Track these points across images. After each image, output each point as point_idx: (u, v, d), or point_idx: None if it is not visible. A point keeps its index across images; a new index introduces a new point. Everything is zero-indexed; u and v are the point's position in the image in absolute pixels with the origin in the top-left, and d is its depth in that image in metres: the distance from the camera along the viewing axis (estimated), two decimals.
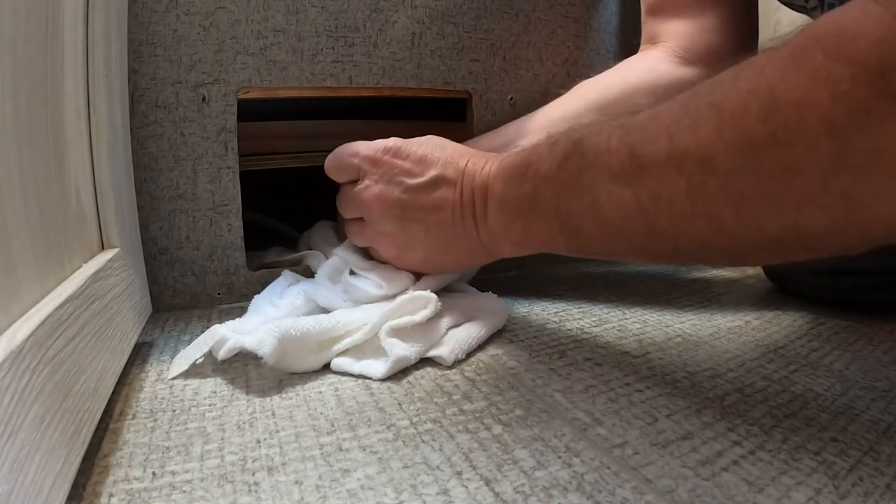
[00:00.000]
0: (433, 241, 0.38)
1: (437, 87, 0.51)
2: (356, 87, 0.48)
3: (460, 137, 0.46)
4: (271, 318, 0.36)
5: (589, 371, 0.33)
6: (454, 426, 0.27)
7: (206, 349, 0.32)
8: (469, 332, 0.36)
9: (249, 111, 0.45)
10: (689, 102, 0.24)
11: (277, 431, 0.27)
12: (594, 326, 0.41)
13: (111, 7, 0.34)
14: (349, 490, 0.22)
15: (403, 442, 0.26)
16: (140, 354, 0.36)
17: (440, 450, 0.25)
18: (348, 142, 0.40)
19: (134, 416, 0.28)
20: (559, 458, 0.24)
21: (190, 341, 0.34)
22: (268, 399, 0.30)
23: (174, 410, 0.28)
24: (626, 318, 0.43)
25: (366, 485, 0.22)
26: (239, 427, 0.27)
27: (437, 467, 0.24)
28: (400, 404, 0.29)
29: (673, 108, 0.24)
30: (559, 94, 0.50)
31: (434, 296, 0.35)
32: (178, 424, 0.27)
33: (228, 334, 0.32)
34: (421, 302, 0.35)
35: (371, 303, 0.38)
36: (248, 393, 0.30)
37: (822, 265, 0.45)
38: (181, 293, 0.45)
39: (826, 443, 0.25)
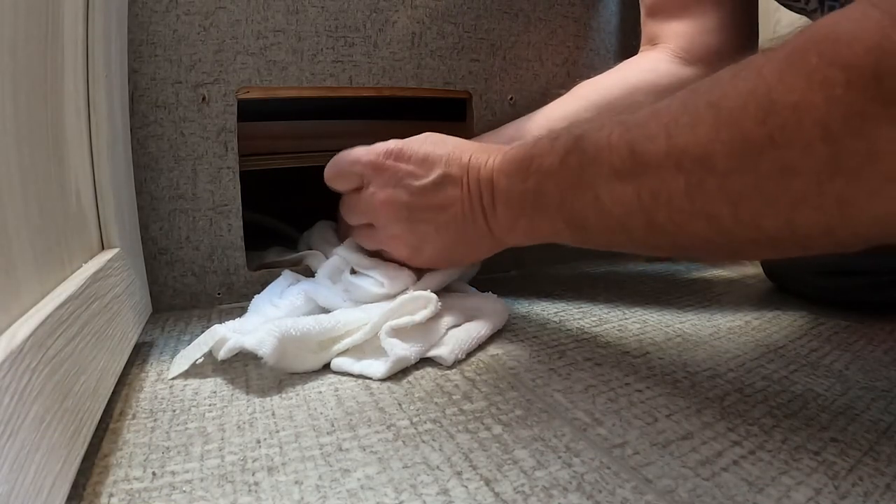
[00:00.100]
0: (444, 238, 0.38)
1: (437, 87, 0.51)
2: (356, 87, 0.48)
3: (461, 138, 0.46)
4: (271, 318, 0.36)
5: (589, 371, 0.33)
6: (454, 426, 0.27)
7: (206, 349, 0.32)
8: (469, 332, 0.36)
9: (249, 111, 0.45)
10: (688, 100, 0.24)
11: (277, 431, 0.27)
12: (594, 326, 0.41)
13: (111, 7, 0.34)
14: (349, 490, 0.22)
15: (403, 442, 0.26)
16: (140, 354, 0.36)
17: (440, 450, 0.25)
18: (348, 142, 0.40)
19: (134, 416, 0.28)
20: (559, 458, 0.24)
21: (190, 341, 0.34)
22: (268, 399, 0.30)
23: (174, 410, 0.28)
24: (626, 318, 0.43)
25: (366, 485, 0.22)
26: (239, 427, 0.27)
27: (437, 467, 0.24)
28: (400, 404, 0.29)
29: (672, 105, 0.25)
30: (559, 94, 0.50)
31: (434, 296, 0.35)
32: (178, 424, 0.27)
33: (228, 334, 0.32)
34: (421, 302, 0.35)
35: (372, 302, 0.38)
36: (248, 393, 0.30)
37: (822, 265, 0.45)
38: (181, 293, 0.45)
39: (826, 443, 0.25)
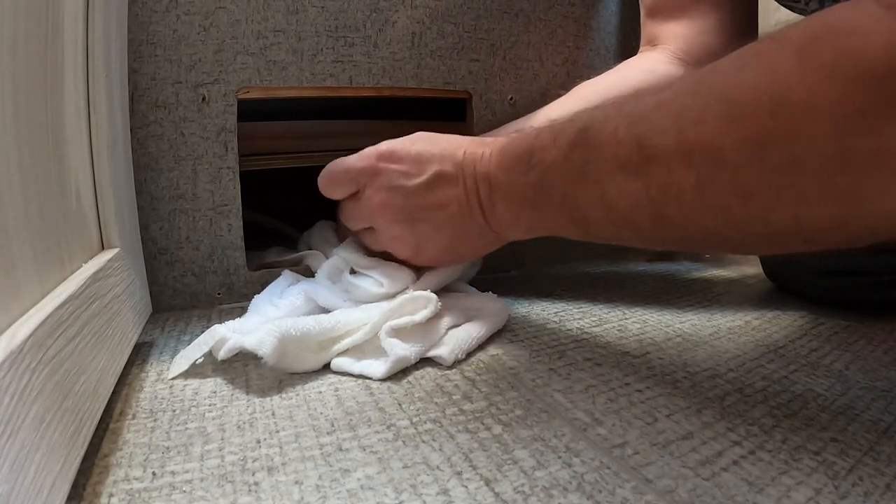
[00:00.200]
0: (444, 236, 0.38)
1: (437, 87, 0.51)
2: (356, 87, 0.48)
3: None
4: (271, 318, 0.36)
5: (589, 371, 0.33)
6: (454, 426, 0.27)
7: (206, 349, 0.32)
8: (469, 332, 0.36)
9: (249, 111, 0.45)
10: (697, 91, 0.24)
11: (277, 431, 0.26)
12: (594, 326, 0.41)
13: (111, 7, 0.34)
14: (349, 490, 0.22)
15: (403, 442, 0.26)
16: (140, 354, 0.36)
17: (440, 450, 0.25)
18: (348, 142, 0.40)
19: (134, 416, 0.28)
20: (559, 458, 0.24)
21: (190, 341, 0.34)
22: (268, 399, 0.30)
23: (174, 410, 0.28)
24: (626, 318, 0.43)
25: (366, 485, 0.22)
26: (239, 427, 0.27)
27: (437, 467, 0.24)
28: (400, 404, 0.29)
29: (680, 96, 0.24)
30: (559, 95, 0.50)
31: (434, 296, 0.35)
32: (178, 424, 0.27)
33: (228, 334, 0.32)
34: (421, 302, 0.35)
35: (372, 301, 0.38)
36: (248, 393, 0.30)
37: (822, 265, 0.45)
38: (181, 293, 0.45)
39: (826, 443, 0.25)
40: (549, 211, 0.32)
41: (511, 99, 0.54)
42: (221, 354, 0.31)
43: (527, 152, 0.32)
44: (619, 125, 0.27)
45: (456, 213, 0.37)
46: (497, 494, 0.22)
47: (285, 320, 0.33)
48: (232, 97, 0.43)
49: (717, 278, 0.56)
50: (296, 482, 0.23)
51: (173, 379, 0.32)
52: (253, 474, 0.23)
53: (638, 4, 0.52)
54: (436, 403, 0.29)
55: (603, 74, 0.49)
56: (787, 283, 0.50)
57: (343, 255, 0.41)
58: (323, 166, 0.41)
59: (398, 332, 0.33)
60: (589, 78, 0.50)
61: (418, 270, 0.40)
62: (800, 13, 0.42)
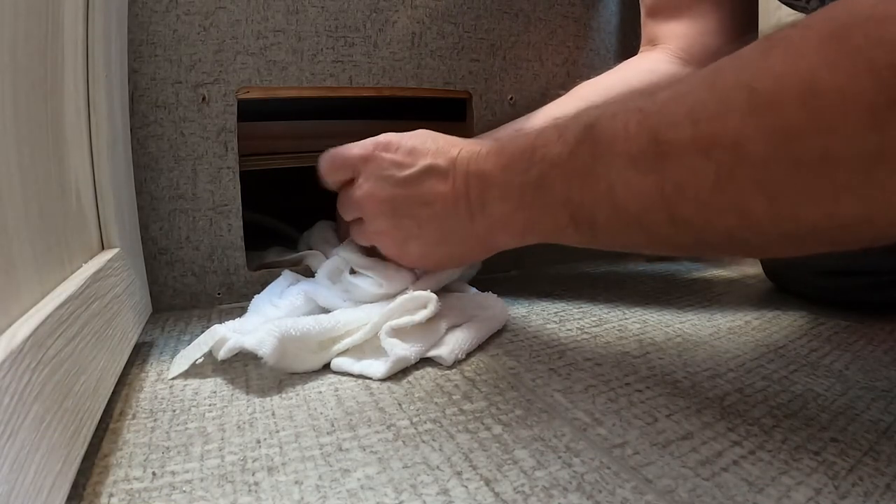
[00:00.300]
0: (429, 236, 0.37)
1: (437, 87, 0.51)
2: (356, 87, 0.48)
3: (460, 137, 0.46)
4: (271, 318, 0.36)
5: (589, 371, 0.33)
6: (454, 426, 0.27)
7: (206, 349, 0.32)
8: (469, 332, 0.36)
9: (249, 111, 0.45)
10: (715, 82, 0.22)
11: (277, 431, 0.26)
12: (594, 326, 0.41)
13: (111, 7, 0.34)
14: (349, 490, 0.22)
15: (403, 442, 0.26)
16: (140, 354, 0.36)
17: (440, 450, 0.25)
18: (348, 142, 0.40)
19: (134, 416, 0.28)
20: (559, 458, 0.24)
21: (190, 341, 0.34)
22: (268, 399, 0.30)
23: (174, 410, 0.28)
24: (626, 318, 0.43)
25: (366, 485, 0.22)
26: (239, 427, 0.27)
27: (437, 467, 0.24)
28: (400, 404, 0.29)
29: (697, 88, 0.23)
30: (559, 95, 0.50)
31: (434, 296, 0.35)
32: (178, 424, 0.27)
33: (228, 334, 0.32)
34: (421, 302, 0.35)
35: (371, 302, 0.38)
36: (248, 393, 0.30)
37: (822, 265, 0.45)
38: (181, 293, 0.45)
39: (826, 443, 0.25)
40: (548, 212, 0.30)
41: (511, 99, 0.54)
42: (221, 354, 0.31)
43: (528, 150, 0.31)
44: (629, 119, 0.25)
45: (441, 211, 0.35)
46: (497, 494, 0.22)
47: (285, 320, 0.33)
48: (232, 97, 0.43)
49: (717, 278, 0.56)
50: (296, 482, 0.23)
51: (173, 379, 0.32)
52: (253, 474, 0.23)
53: (638, 4, 0.52)
54: (436, 403, 0.29)
55: (603, 74, 0.49)
56: (787, 283, 0.50)
57: (343, 255, 0.42)
58: None
59: (398, 332, 0.33)
60: (589, 78, 0.50)
61: (417, 271, 0.40)
62: (801, 10, 0.42)
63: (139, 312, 0.37)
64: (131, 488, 0.22)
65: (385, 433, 0.26)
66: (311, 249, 0.48)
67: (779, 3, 0.44)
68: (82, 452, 0.22)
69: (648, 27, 0.51)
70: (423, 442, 0.26)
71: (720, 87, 0.22)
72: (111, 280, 0.30)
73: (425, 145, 0.37)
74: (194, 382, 0.32)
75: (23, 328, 0.19)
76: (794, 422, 0.27)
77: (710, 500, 0.21)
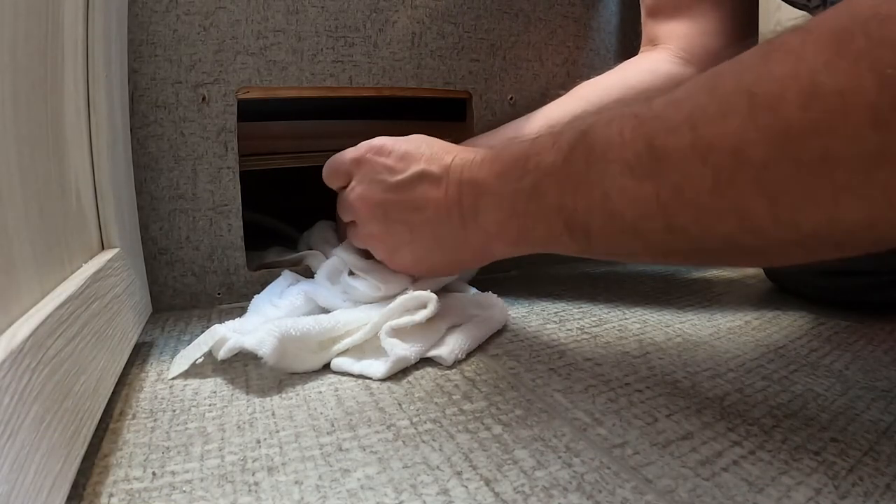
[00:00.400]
0: (420, 242, 0.37)
1: (437, 87, 0.51)
2: (356, 87, 0.48)
3: (460, 137, 0.46)
4: (271, 318, 0.36)
5: (589, 371, 0.33)
6: (454, 426, 0.27)
7: (206, 349, 0.32)
8: (469, 332, 0.36)
9: (249, 111, 0.45)
10: (714, 87, 0.22)
11: (277, 431, 0.26)
12: (594, 326, 0.41)
13: (111, 7, 0.34)
14: (349, 490, 0.22)
15: (403, 442, 0.26)
16: (140, 354, 0.36)
17: (440, 450, 0.25)
18: (348, 142, 0.40)
19: (134, 416, 0.28)
20: (559, 458, 0.24)
21: (190, 341, 0.34)
22: (268, 399, 0.30)
23: (174, 410, 0.28)
24: (626, 318, 0.43)
25: (366, 485, 0.22)
26: (239, 427, 0.27)
27: (437, 467, 0.24)
28: (400, 404, 0.29)
29: (695, 93, 0.23)
30: (559, 95, 0.50)
31: (434, 295, 0.35)
32: (178, 424, 0.27)
33: (228, 334, 0.32)
34: (421, 301, 0.35)
35: (370, 303, 0.38)
36: (248, 393, 0.30)
37: (822, 265, 0.45)
38: (181, 293, 0.45)
39: (826, 443, 0.25)
40: (542, 220, 0.29)
41: (511, 99, 0.54)
42: (221, 354, 0.31)
43: (522, 157, 0.30)
44: (624, 125, 0.25)
45: (432, 218, 0.35)
46: (497, 494, 0.22)
47: (285, 320, 0.33)
48: (232, 97, 0.43)
49: (717, 278, 0.56)
50: (296, 482, 0.23)
51: (173, 379, 0.32)
52: (253, 474, 0.23)
53: (638, 4, 0.52)
54: (436, 403, 0.29)
55: (603, 74, 0.49)
56: (787, 283, 0.50)
57: (341, 256, 0.41)
58: (323, 166, 0.41)
59: (398, 332, 0.33)
60: (589, 78, 0.50)
61: None
62: (802, 9, 0.42)
63: (139, 312, 0.37)
64: (131, 488, 0.22)
65: (385, 433, 0.26)
66: (311, 249, 0.48)
67: (779, 3, 0.44)
68: (82, 452, 0.22)
69: (648, 27, 0.51)
70: (423, 442, 0.26)
71: (720, 91, 0.22)
72: (111, 280, 0.30)
73: (419, 150, 0.36)
74: (194, 382, 0.32)
75: (23, 328, 0.19)
76: (794, 422, 0.27)
77: (710, 500, 0.21)
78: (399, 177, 0.36)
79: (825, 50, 0.18)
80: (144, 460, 0.24)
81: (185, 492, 0.22)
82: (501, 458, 0.24)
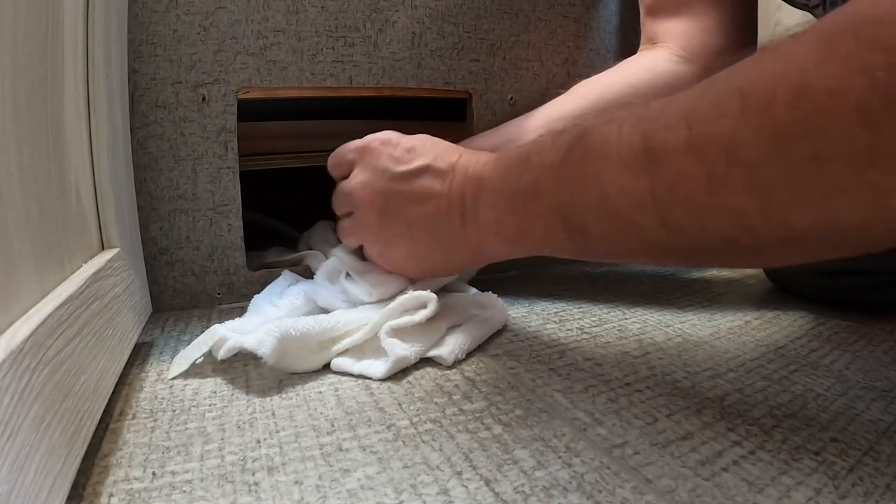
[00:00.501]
0: (417, 237, 0.36)
1: (437, 87, 0.51)
2: (356, 87, 0.48)
3: (460, 137, 0.46)
4: (271, 318, 0.36)
5: (589, 371, 0.33)
6: (454, 426, 0.27)
7: (206, 349, 0.32)
8: (469, 332, 0.36)
9: (249, 111, 0.45)
10: (708, 89, 0.23)
11: (277, 431, 0.27)
12: (594, 326, 0.41)
13: (111, 7, 0.34)
14: (349, 490, 0.22)
15: (403, 442, 0.26)
16: (140, 354, 0.36)
17: (440, 450, 0.25)
18: (348, 142, 0.40)
19: (134, 416, 0.28)
20: (559, 458, 0.24)
21: (190, 341, 0.34)
22: (268, 399, 0.30)
23: (174, 410, 0.28)
24: (626, 318, 0.43)
25: (366, 485, 0.22)
26: (239, 427, 0.27)
27: (437, 467, 0.24)
28: (400, 404, 0.29)
29: (691, 95, 0.23)
30: (559, 94, 0.50)
31: (434, 295, 0.35)
32: (178, 424, 0.27)
33: (228, 334, 0.32)
34: (421, 301, 0.35)
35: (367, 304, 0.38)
36: (248, 393, 0.30)
37: (822, 265, 0.45)
38: (181, 293, 0.45)
39: (826, 443, 0.25)
40: (539, 216, 0.29)
41: (511, 99, 0.54)
42: (221, 354, 0.31)
43: (523, 157, 0.31)
44: (623, 125, 0.25)
45: (433, 213, 0.35)
46: (497, 494, 0.22)
47: (285, 320, 0.33)
48: (232, 97, 0.43)
49: (717, 278, 0.56)
50: (296, 482, 0.23)
51: (173, 379, 0.32)
52: (253, 474, 0.23)
53: (638, 4, 0.52)
54: (436, 403, 0.29)
55: (602, 73, 0.49)
56: (787, 283, 0.50)
57: (339, 256, 0.41)
58: (323, 166, 0.41)
59: (398, 332, 0.33)
60: (588, 77, 0.50)
61: None
62: (801, 7, 0.42)
63: (139, 312, 0.37)
64: (131, 488, 0.22)
65: (385, 433, 0.26)
66: (311, 249, 0.48)
67: (779, 2, 0.44)
68: (82, 452, 0.22)
69: (648, 26, 0.51)
70: (423, 442, 0.26)
71: (713, 93, 0.22)
72: (111, 280, 0.30)
73: (425, 147, 0.37)
74: (194, 382, 0.32)
75: (23, 328, 0.19)
76: (794, 422, 0.27)
77: (710, 500, 0.21)
78: (404, 167, 0.36)
79: (816, 51, 0.19)
80: (144, 460, 0.24)
81: (185, 492, 0.22)
82: (501, 458, 0.24)
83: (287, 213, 0.60)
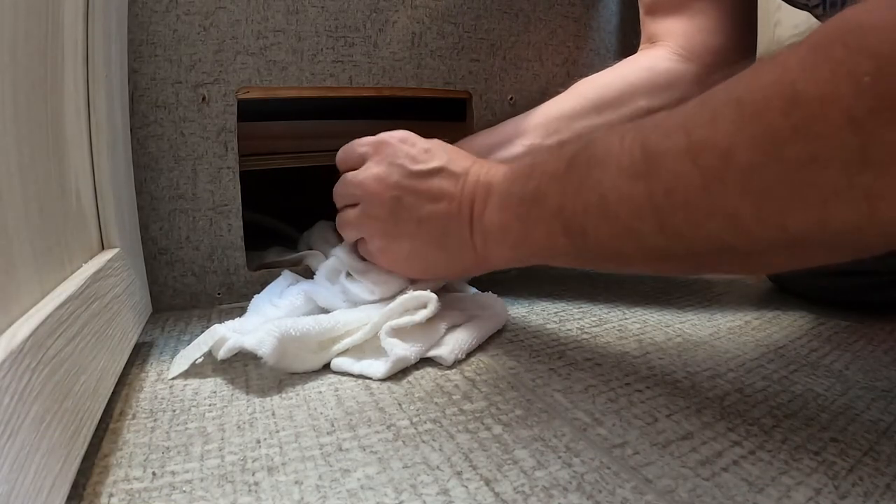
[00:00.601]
0: (423, 237, 0.37)
1: (437, 87, 0.51)
2: (356, 87, 0.48)
3: (460, 137, 0.46)
4: (271, 318, 0.36)
5: (589, 371, 0.33)
6: (454, 426, 0.27)
7: (206, 349, 0.32)
8: (469, 333, 0.36)
9: (249, 111, 0.45)
10: (706, 99, 0.23)
11: (277, 431, 0.27)
12: (594, 326, 0.41)
13: (111, 7, 0.34)
14: (349, 490, 0.22)
15: (403, 442, 0.26)
16: (140, 354, 0.36)
17: (440, 450, 0.25)
18: (348, 142, 0.40)
19: (134, 416, 0.28)
20: (559, 458, 0.24)
21: (190, 341, 0.34)
22: (268, 399, 0.30)
23: (174, 410, 0.28)
24: (626, 318, 0.43)
25: (366, 485, 0.22)
26: (239, 427, 0.27)
27: (437, 467, 0.24)
28: (400, 404, 0.29)
29: (690, 106, 0.24)
30: (558, 94, 0.50)
31: (434, 295, 0.35)
32: (178, 424, 0.27)
33: (228, 334, 0.32)
34: (421, 301, 0.35)
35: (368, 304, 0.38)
36: (248, 393, 0.30)
37: (821, 265, 0.45)
38: (181, 293, 0.45)
39: (826, 443, 0.25)
40: (542, 221, 0.30)
41: (511, 99, 0.54)
42: (221, 354, 0.31)
43: (530, 165, 0.32)
44: (625, 135, 0.26)
45: (443, 213, 0.36)
46: (497, 494, 0.22)
47: (285, 320, 0.33)
48: (232, 97, 0.43)
49: (717, 278, 0.56)
50: (296, 482, 0.23)
51: (173, 379, 0.32)
52: (253, 474, 0.23)
53: (638, 4, 0.52)
54: (436, 403, 0.29)
55: (601, 72, 0.49)
56: (787, 283, 0.50)
57: (339, 256, 0.41)
58: (323, 166, 0.41)
59: (398, 332, 0.33)
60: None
61: None
62: (801, 7, 0.42)
63: (139, 312, 0.37)
64: (131, 488, 0.22)
65: (385, 433, 0.26)
66: (311, 249, 0.48)
67: (779, 2, 0.44)
68: (82, 452, 0.22)
69: (647, 25, 0.51)
70: (423, 442, 0.26)
71: (712, 103, 0.23)
72: (111, 280, 0.30)
73: (441, 149, 0.38)
74: (194, 382, 0.32)
75: (23, 328, 0.19)
76: (794, 422, 0.27)
77: (710, 500, 0.21)
78: (420, 166, 0.36)
79: (807, 60, 0.19)
80: (144, 460, 0.24)
81: (185, 492, 0.22)
82: (501, 458, 0.24)
83: (287, 213, 0.60)
